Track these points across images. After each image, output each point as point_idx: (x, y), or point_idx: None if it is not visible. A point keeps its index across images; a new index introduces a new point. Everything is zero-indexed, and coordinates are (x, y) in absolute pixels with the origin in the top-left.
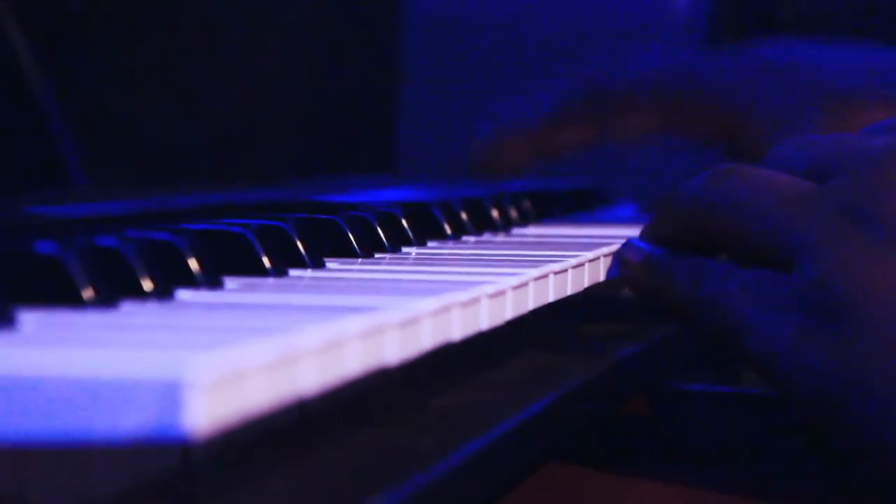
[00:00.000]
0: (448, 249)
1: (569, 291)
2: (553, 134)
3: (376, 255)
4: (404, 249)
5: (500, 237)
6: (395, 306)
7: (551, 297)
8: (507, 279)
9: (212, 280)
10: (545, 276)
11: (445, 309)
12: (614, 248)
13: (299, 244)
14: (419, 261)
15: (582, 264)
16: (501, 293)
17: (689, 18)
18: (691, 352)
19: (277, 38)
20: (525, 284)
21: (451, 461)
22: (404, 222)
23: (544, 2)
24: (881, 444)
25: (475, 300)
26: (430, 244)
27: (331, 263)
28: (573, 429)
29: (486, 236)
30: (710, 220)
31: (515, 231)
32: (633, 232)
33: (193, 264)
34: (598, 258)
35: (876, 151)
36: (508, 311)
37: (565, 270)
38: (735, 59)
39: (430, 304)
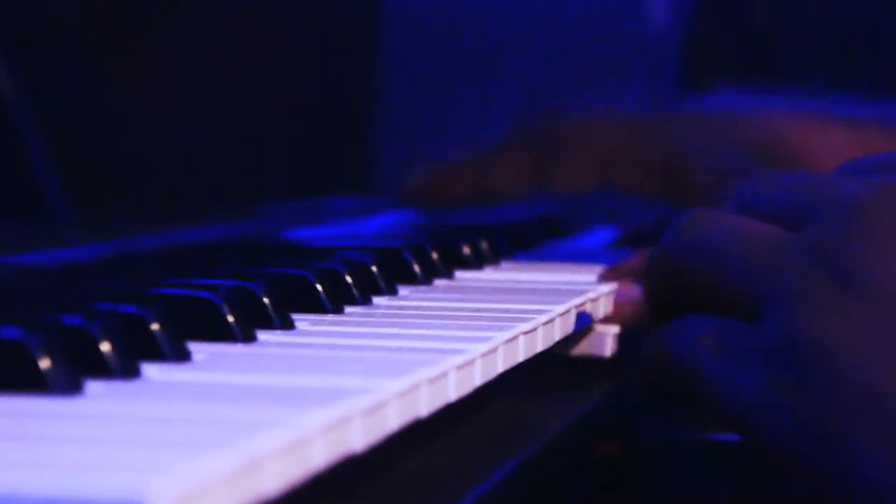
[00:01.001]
0: (417, 301)
1: (539, 349)
2: (490, 172)
3: (346, 310)
4: (375, 300)
5: (472, 277)
6: (362, 390)
7: (521, 358)
8: (476, 346)
9: (178, 352)
10: (515, 337)
11: (413, 388)
12: (587, 296)
13: (268, 305)
14: (388, 317)
15: (553, 320)
16: (470, 363)
17: (662, 59)
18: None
19: (242, 49)
20: (494, 350)
21: None
22: (374, 269)
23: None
24: (857, 497)
25: (443, 374)
26: (401, 291)
27: (300, 323)
28: (545, 482)
29: (458, 276)
30: (679, 270)
31: (487, 270)
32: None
33: (160, 336)
34: (569, 311)
35: (850, 199)
36: (477, 378)
37: (535, 329)
38: (678, 113)
39: (397, 385)
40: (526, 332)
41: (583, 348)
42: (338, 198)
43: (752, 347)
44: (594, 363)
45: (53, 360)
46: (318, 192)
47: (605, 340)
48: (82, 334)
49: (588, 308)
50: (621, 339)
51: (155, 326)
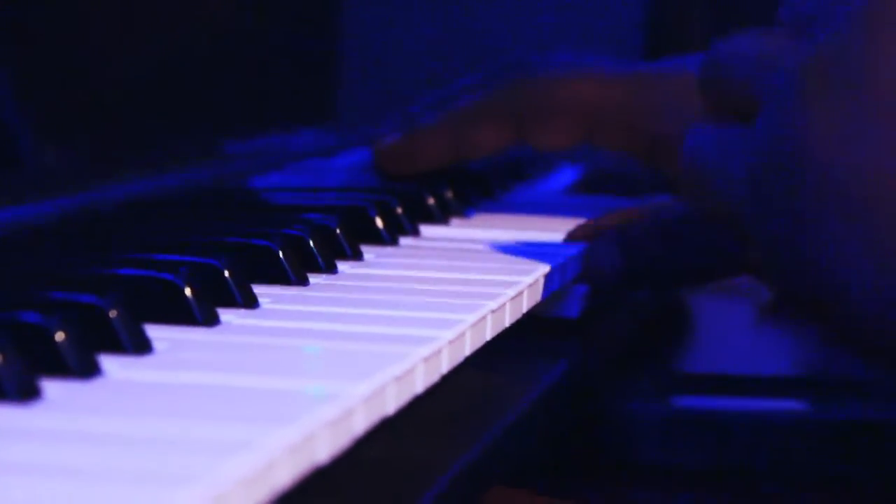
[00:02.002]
0: (381, 269)
1: (507, 324)
2: (467, 135)
3: (311, 280)
4: (339, 266)
5: (438, 234)
6: (327, 396)
7: (488, 336)
8: (443, 333)
9: (139, 343)
10: (483, 318)
11: (380, 389)
12: (556, 262)
13: (231, 284)
14: (352, 291)
15: (521, 293)
16: (437, 353)
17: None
18: (633, 362)
19: None
20: (461, 335)
21: None
22: (338, 232)
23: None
24: (833, 311)
25: (410, 370)
26: (365, 254)
27: (263, 298)
28: (514, 459)
29: (424, 232)
30: (709, 83)
31: (454, 223)
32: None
33: (120, 328)
34: (537, 281)
35: (851, 4)
36: (444, 366)
37: (503, 306)
38: (658, 72)
39: (363, 388)
40: (494, 311)
41: (551, 309)
42: (300, 134)
43: (746, 146)
44: (562, 324)
45: (9, 363)
46: (280, 130)
47: (574, 301)
48: (39, 331)
49: (557, 274)
50: (589, 298)
51: (114, 315)
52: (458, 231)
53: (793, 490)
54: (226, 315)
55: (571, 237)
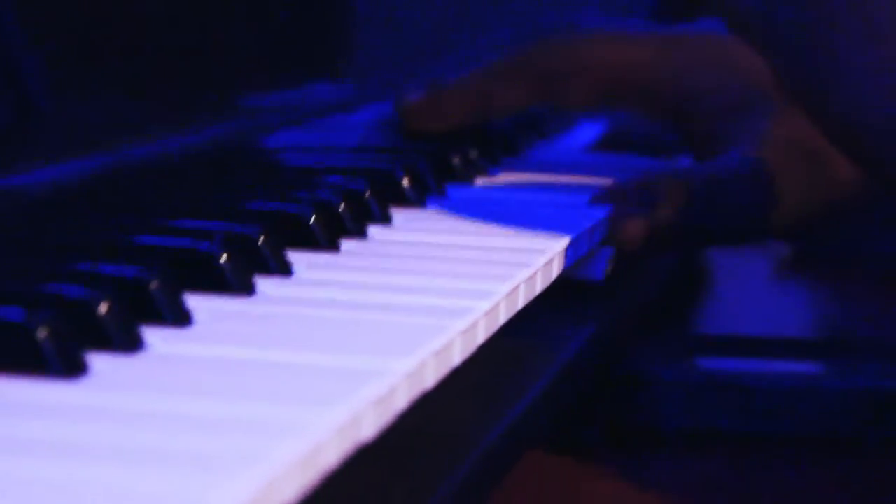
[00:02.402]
0: (411, 233)
1: (538, 291)
2: (492, 93)
3: (342, 244)
4: (369, 230)
5: (465, 196)
6: (371, 373)
7: (521, 305)
8: (478, 304)
9: (179, 317)
10: (516, 287)
11: (421, 365)
12: (584, 228)
13: (266, 252)
14: (384, 257)
15: (552, 260)
16: (473, 325)
17: None
18: (657, 324)
19: None
20: (496, 306)
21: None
22: (367, 195)
23: None
24: (839, 110)
25: (448, 344)
26: (394, 216)
27: (297, 264)
28: (545, 425)
29: (450, 193)
30: None
31: (479, 183)
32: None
33: (161, 299)
34: (566, 247)
35: None
36: (480, 336)
37: (535, 274)
38: (683, 34)
39: (405, 365)
40: (527, 279)
41: (577, 271)
42: (321, 88)
43: None
44: (588, 286)
45: (56, 340)
46: (301, 84)
47: (600, 264)
48: (82, 305)
49: (584, 239)
50: (614, 261)
51: (155, 287)
52: (484, 191)
53: (815, 453)
54: (261, 283)
55: (597, 200)
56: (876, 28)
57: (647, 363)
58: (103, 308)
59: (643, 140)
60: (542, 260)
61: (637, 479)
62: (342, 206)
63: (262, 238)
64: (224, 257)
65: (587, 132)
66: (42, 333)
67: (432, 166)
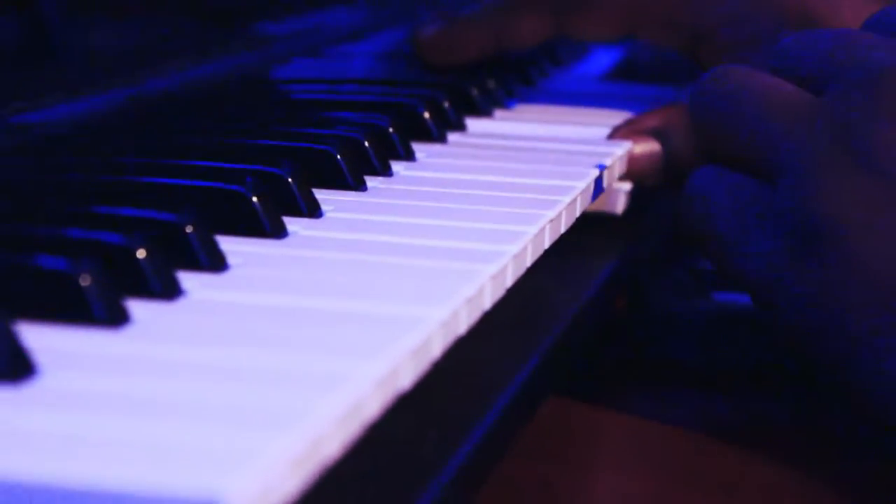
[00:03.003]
0: (435, 171)
1: (563, 230)
2: (509, 25)
3: (368, 183)
4: (393, 167)
5: (484, 129)
6: (408, 320)
7: (547, 245)
8: (507, 248)
9: (215, 262)
10: (542, 229)
11: (455, 313)
12: (605, 163)
13: (297, 193)
14: (410, 197)
15: (575, 199)
16: (503, 269)
17: None
18: (673, 258)
19: None
20: (524, 249)
21: (457, 452)
22: (391, 131)
23: None
24: (857, 383)
25: (480, 291)
26: (417, 153)
27: (326, 205)
28: (567, 366)
29: (470, 127)
30: (706, 124)
31: (497, 115)
32: (612, 114)
33: (197, 245)
34: (589, 186)
35: (876, 68)
36: (509, 279)
37: (559, 215)
38: None
39: (439, 313)
40: (552, 220)
41: (596, 205)
42: (333, 13)
43: (766, 213)
44: (607, 220)
45: (100, 288)
46: (313, 8)
47: (618, 198)
48: (122, 251)
49: (605, 175)
50: (633, 195)
51: (191, 231)
52: (502, 125)
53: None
54: (292, 225)
55: (614, 135)
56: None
57: (664, 296)
58: (142, 254)
59: (660, 67)
60: (567, 199)
61: (656, 416)
62: (367, 143)
63: (291, 178)
64: (256, 199)
65: (603, 59)
66: (86, 281)
67: (452, 100)
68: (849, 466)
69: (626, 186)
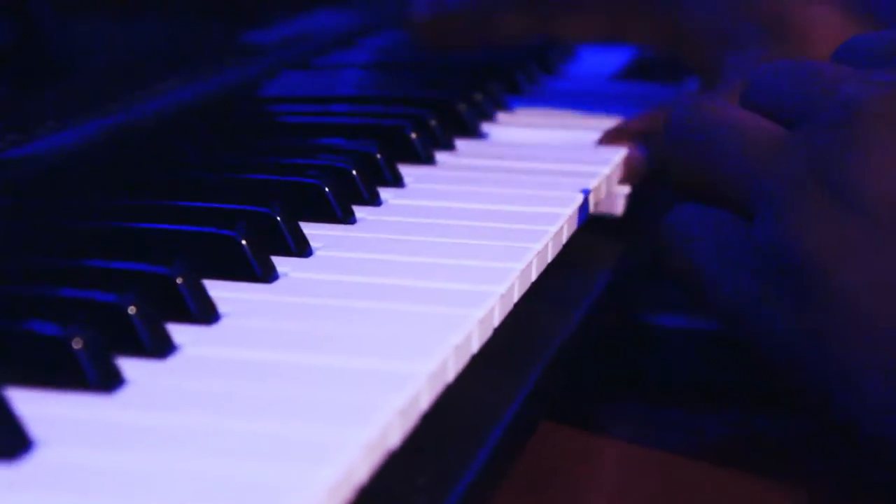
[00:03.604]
0: (424, 199)
1: (549, 259)
2: (495, 19)
3: (357, 213)
4: (382, 194)
5: (473, 149)
6: (425, 358)
7: (534, 276)
8: (494, 289)
9: (205, 312)
10: (529, 264)
11: (442, 366)
12: (597, 180)
13: (286, 232)
14: (398, 230)
15: (561, 228)
16: (490, 312)
17: None
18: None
19: None
20: (511, 287)
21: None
22: (379, 157)
23: None
24: (840, 411)
25: (490, 312)
26: (405, 176)
27: (314, 240)
28: (559, 391)
29: (459, 147)
30: (681, 159)
31: (486, 130)
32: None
33: (189, 297)
34: (573, 213)
35: (849, 102)
36: (496, 319)
37: (546, 246)
38: None
39: (428, 366)
40: (538, 252)
41: (597, 208)
42: (323, 13)
43: (744, 250)
44: (607, 221)
45: (93, 353)
46: (303, 9)
47: (617, 201)
48: (114, 310)
49: (591, 198)
50: (632, 197)
51: (180, 282)
52: (490, 146)
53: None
54: (282, 265)
55: (604, 141)
56: (880, 333)
57: (655, 313)
58: (133, 311)
59: (669, 65)
60: (553, 229)
61: (649, 439)
62: (355, 172)
63: (280, 217)
64: (245, 243)
65: (590, 63)
66: (78, 345)
67: (440, 118)
68: (850, 487)
69: (625, 190)
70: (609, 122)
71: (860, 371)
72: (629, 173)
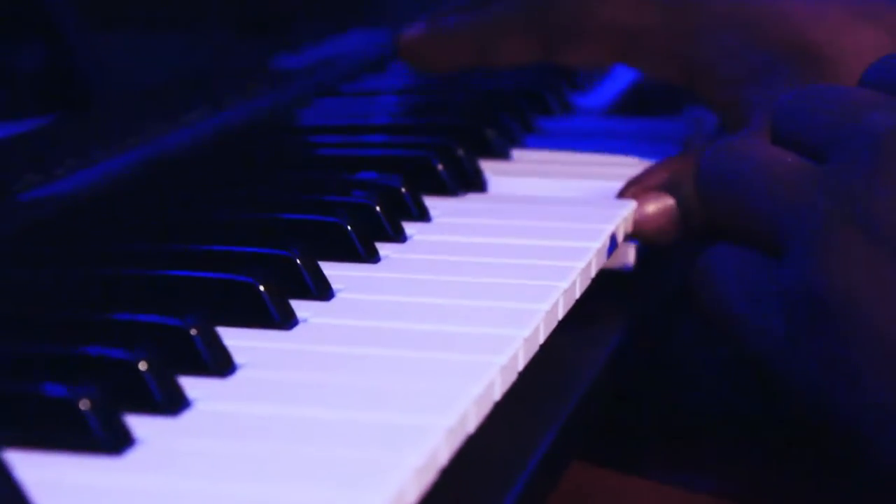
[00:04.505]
0: (449, 234)
1: (577, 296)
2: (493, 43)
3: (381, 251)
4: (407, 229)
5: (485, 195)
6: (444, 411)
7: (561, 315)
8: (518, 333)
9: (220, 364)
10: (555, 303)
11: (461, 419)
12: (616, 226)
13: (306, 276)
14: (425, 270)
15: (589, 263)
16: (514, 357)
17: None
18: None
19: None
20: (536, 330)
21: None
22: (404, 191)
23: None
24: (873, 453)
25: (513, 358)
26: (431, 210)
27: (336, 284)
28: (589, 430)
29: (485, 168)
30: (712, 199)
31: (517, 156)
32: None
33: (204, 350)
34: (603, 246)
35: (877, 132)
36: (521, 363)
37: (573, 283)
38: (696, 2)
39: (446, 421)
40: (565, 290)
41: (608, 263)
42: (354, 34)
43: (774, 290)
44: (619, 277)
45: (101, 414)
46: (334, 31)
47: (629, 254)
48: (124, 366)
49: (618, 232)
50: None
51: (195, 333)
52: (516, 176)
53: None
54: (301, 310)
55: (624, 193)
56: None
57: (685, 348)
58: (144, 367)
59: (669, 95)
60: (581, 264)
61: (680, 478)
62: (379, 208)
63: (300, 259)
64: (264, 288)
65: (603, 93)
66: (86, 406)
67: (466, 143)
68: None
69: (637, 242)
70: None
71: (887, 412)
72: (655, 228)
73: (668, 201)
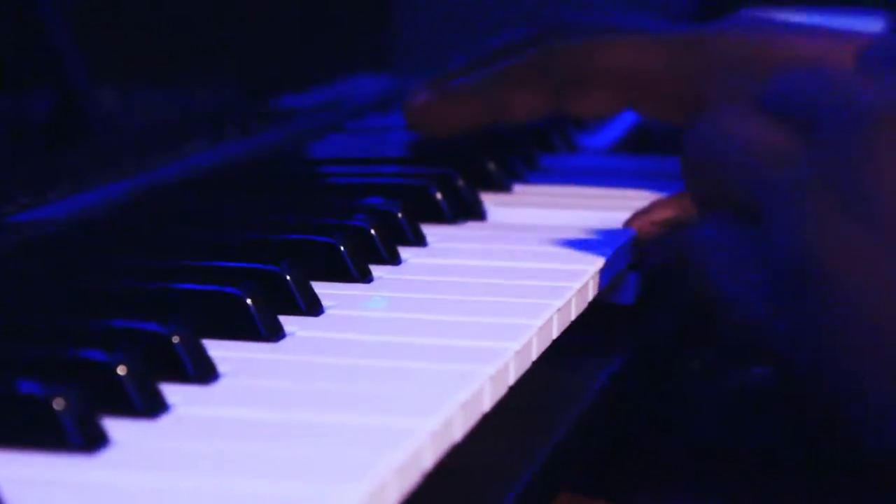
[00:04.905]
0: (445, 258)
1: (572, 317)
2: (503, 100)
3: (374, 272)
4: (402, 253)
5: (483, 224)
6: (428, 414)
7: (555, 334)
8: (508, 345)
9: (203, 370)
10: (549, 320)
11: (447, 423)
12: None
13: (295, 292)
14: (419, 289)
15: (586, 284)
16: (504, 369)
17: None
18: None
19: None
20: (528, 344)
21: None
22: (400, 216)
23: None
24: (854, 422)
25: (478, 394)
26: (428, 235)
27: (327, 301)
28: (577, 463)
29: (486, 200)
30: (696, 166)
31: (502, 199)
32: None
33: (184, 354)
34: (598, 271)
35: (862, 108)
36: (511, 377)
37: (569, 303)
38: (708, 34)
39: (430, 423)
40: (560, 309)
41: (607, 295)
42: (358, 79)
43: (758, 262)
44: (618, 310)
45: (75, 413)
46: (336, 81)
47: (629, 287)
48: (103, 369)
49: (616, 260)
50: (644, 282)
51: (176, 341)
52: (506, 217)
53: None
54: (290, 324)
55: (630, 224)
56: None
57: (682, 381)
58: (123, 370)
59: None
60: (577, 285)
61: None
62: (374, 231)
63: (289, 275)
64: (250, 301)
65: (609, 132)
66: (59, 406)
67: (467, 174)
68: None
69: (638, 275)
70: (638, 199)
71: (868, 379)
72: (650, 267)
73: (670, 243)
